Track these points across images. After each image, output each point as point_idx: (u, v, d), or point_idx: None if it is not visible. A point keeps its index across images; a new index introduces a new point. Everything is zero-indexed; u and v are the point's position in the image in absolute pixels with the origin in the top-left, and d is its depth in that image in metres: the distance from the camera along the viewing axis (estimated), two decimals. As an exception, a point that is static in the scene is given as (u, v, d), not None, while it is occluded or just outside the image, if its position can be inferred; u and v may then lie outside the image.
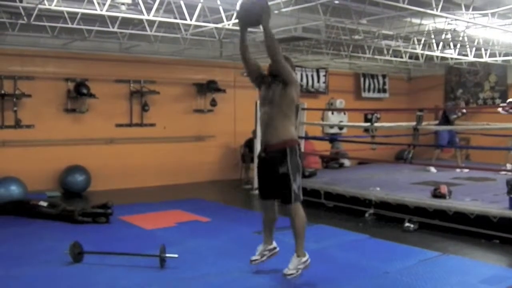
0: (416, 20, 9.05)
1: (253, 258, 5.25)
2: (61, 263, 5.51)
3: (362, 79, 15.34)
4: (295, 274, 4.89)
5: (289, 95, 4.89)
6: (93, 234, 6.90)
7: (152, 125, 11.80)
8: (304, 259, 4.98)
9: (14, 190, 8.74)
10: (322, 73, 14.37)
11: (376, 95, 15.62)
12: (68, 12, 8.17)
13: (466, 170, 10.64)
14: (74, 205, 8.40)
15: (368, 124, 13.48)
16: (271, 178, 4.98)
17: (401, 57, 12.28)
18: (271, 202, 5.18)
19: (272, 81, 5.00)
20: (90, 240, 6.15)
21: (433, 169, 11.05)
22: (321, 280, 5.07)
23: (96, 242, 6.26)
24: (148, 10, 7.62)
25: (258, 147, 10.67)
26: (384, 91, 15.86)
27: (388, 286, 4.96)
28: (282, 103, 4.88)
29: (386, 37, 10.32)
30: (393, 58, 12.34)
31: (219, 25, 8.58)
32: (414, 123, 8.62)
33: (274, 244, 5.35)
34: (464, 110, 11.65)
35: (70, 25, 8.54)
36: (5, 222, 7.82)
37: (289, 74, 4.88)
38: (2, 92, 9.97)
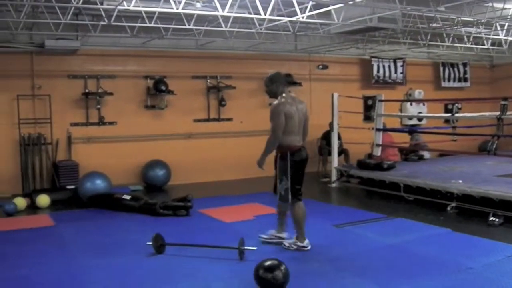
0: (498, 5, 8.68)
1: (262, 235, 6.18)
2: (144, 254, 5.71)
3: (441, 68, 14.91)
4: (287, 247, 5.89)
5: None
6: (174, 227, 7.11)
7: (229, 119, 11.97)
8: (300, 244, 5.84)
9: (100, 184, 9.08)
10: (399, 64, 14.06)
11: (456, 84, 15.14)
12: (146, 12, 8.43)
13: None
14: (156, 198, 8.70)
15: (449, 114, 13.04)
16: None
17: (483, 44, 11.81)
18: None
19: None
20: (171, 232, 6.33)
21: None
22: (400, 275, 4.99)
23: (177, 234, 6.43)
24: (223, 6, 7.73)
25: (335, 140, 10.74)
26: (465, 80, 15.32)
27: (471, 282, 4.80)
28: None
29: (466, 23, 9.95)
30: (474, 46, 11.89)
31: (294, 19, 8.57)
32: (498, 113, 8.26)
33: (285, 235, 6.11)
34: None
35: (148, 24, 8.81)
36: (91, 214, 8.22)
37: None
38: (87, 91, 10.43)
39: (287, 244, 5.91)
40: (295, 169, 5.79)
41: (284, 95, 5.87)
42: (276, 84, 5.91)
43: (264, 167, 5.86)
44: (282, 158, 5.79)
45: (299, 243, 5.85)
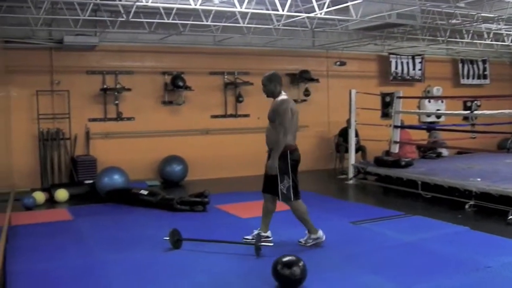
0: (520, 1, 8.57)
1: (246, 237, 6.02)
2: (161, 249, 5.75)
3: (460, 65, 14.77)
4: (303, 243, 5.86)
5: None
6: (190, 222, 7.14)
7: (246, 115, 11.97)
8: (314, 236, 5.85)
9: (117, 179, 9.14)
10: (418, 60, 13.95)
11: (476, 81, 14.98)
12: (164, 8, 8.48)
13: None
14: (173, 194, 8.73)
15: (468, 112, 12.94)
16: (267, 177, 5.98)
17: (503, 41, 11.68)
18: (268, 195, 6.02)
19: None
20: (188, 228, 6.35)
21: None
22: (417, 273, 4.96)
23: (193, 229, 6.46)
24: (241, 2, 7.73)
25: (353, 136, 10.69)
26: (485, 77, 15.16)
27: (489, 280, 4.75)
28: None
29: (486, 20, 9.83)
30: (494, 42, 11.75)
31: (311, 15, 8.53)
32: (518, 110, 8.17)
33: (269, 233, 6.02)
34: None
35: (166, 20, 8.84)
36: (109, 209, 8.29)
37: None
38: (105, 86, 10.50)
39: (302, 241, 5.89)
40: (294, 168, 5.80)
41: (283, 93, 5.90)
42: (274, 84, 5.96)
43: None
44: (282, 157, 5.72)
45: (313, 236, 5.86)
